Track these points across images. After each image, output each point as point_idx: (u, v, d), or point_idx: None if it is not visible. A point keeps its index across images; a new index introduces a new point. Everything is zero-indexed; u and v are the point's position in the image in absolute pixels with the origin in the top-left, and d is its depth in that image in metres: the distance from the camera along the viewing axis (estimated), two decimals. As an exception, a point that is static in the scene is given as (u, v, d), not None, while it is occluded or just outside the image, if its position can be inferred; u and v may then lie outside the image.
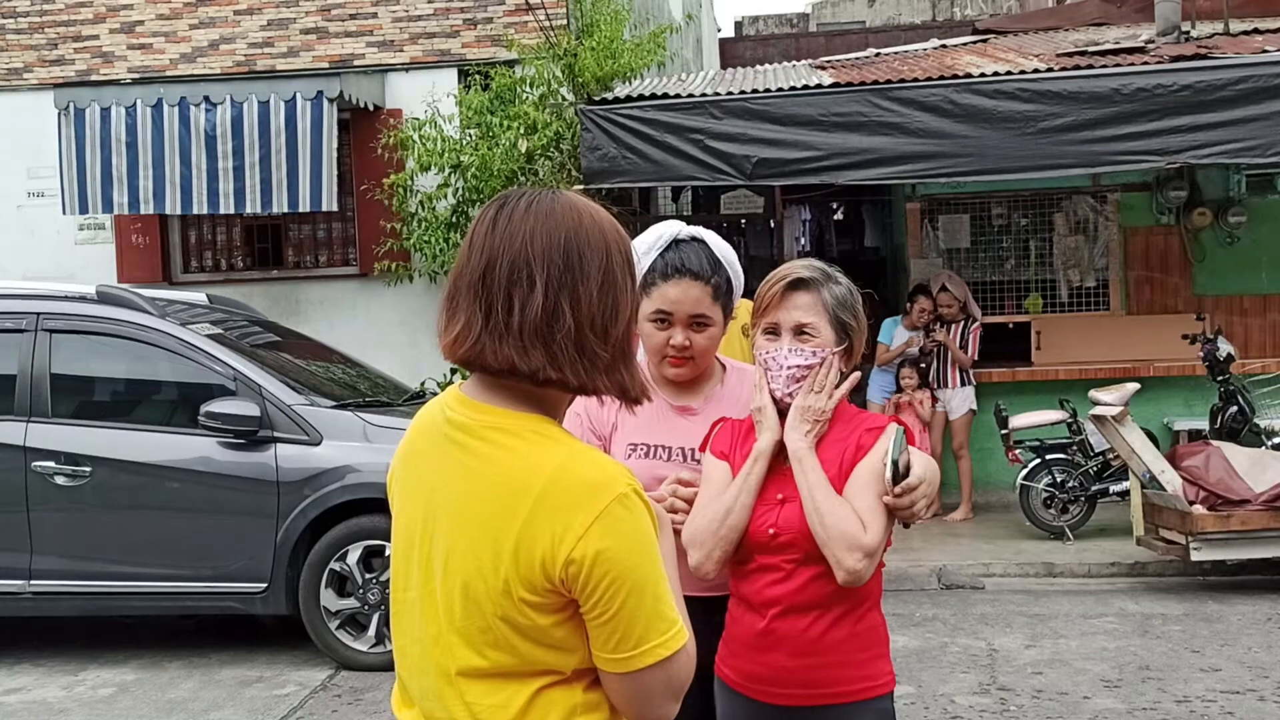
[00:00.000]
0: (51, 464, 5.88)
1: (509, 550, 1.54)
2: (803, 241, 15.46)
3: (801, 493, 2.31)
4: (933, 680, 5.36)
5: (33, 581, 5.89)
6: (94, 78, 9.71)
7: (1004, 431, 8.01)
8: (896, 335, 8.73)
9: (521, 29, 9.21)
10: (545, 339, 1.55)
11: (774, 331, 2.40)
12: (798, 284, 2.37)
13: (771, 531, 2.34)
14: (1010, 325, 9.47)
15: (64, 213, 8.96)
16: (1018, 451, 8.03)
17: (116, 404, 6.36)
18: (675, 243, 2.46)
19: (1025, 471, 7.94)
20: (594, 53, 8.56)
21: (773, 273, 2.43)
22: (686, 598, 2.44)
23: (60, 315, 6.13)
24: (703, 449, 2.48)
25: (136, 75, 9.67)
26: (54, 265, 9.47)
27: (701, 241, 2.48)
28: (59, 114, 8.78)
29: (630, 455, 2.48)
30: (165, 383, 6.27)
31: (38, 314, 6.12)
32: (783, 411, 2.40)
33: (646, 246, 2.46)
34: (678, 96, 7.67)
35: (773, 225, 11.81)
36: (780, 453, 2.38)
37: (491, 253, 1.57)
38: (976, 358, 8.63)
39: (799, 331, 2.37)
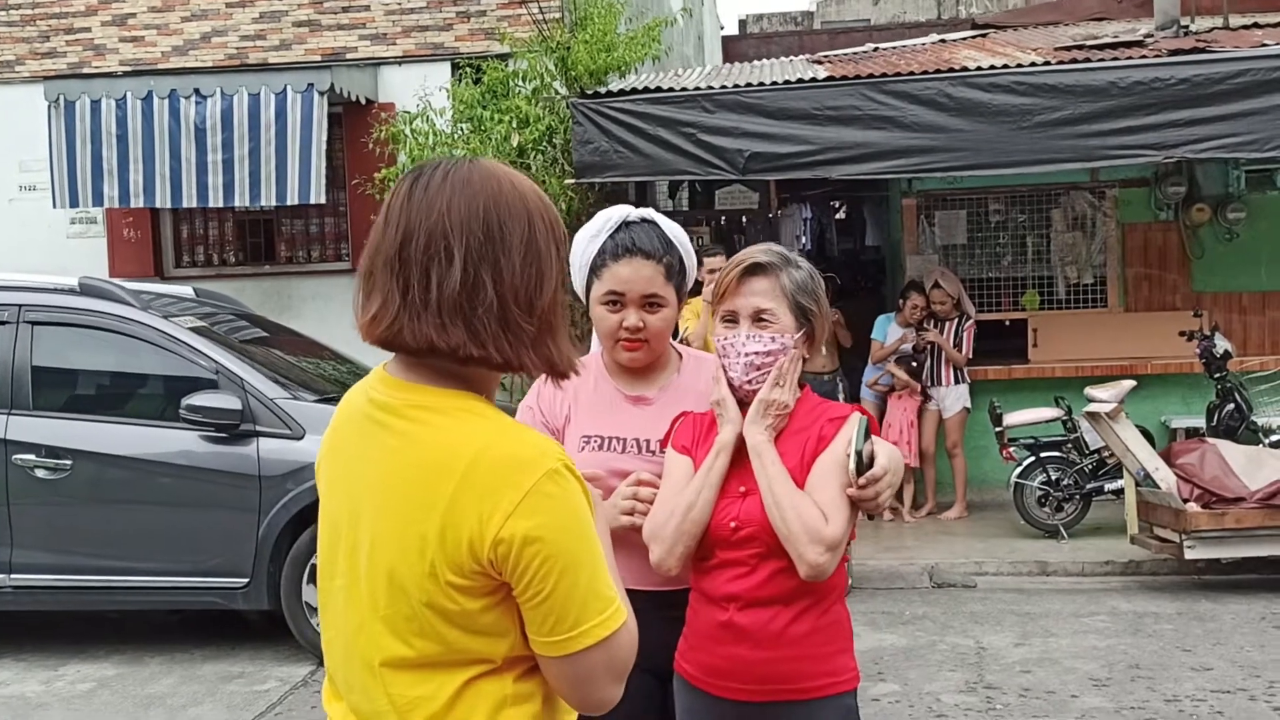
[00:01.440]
0: (32, 457, 5.83)
1: (434, 532, 1.48)
2: (804, 240, 15.40)
3: (761, 487, 2.25)
4: (919, 678, 5.29)
5: (13, 575, 5.85)
6: (86, 70, 9.66)
7: (998, 429, 7.94)
8: (890, 332, 8.65)
9: (515, 22, 9.15)
10: (465, 314, 1.49)
11: (732, 319, 2.34)
12: (755, 269, 2.32)
13: (733, 525, 2.28)
14: (1007, 322, 9.39)
15: (54, 206, 8.92)
16: (1012, 449, 7.95)
17: (98, 397, 6.32)
18: (625, 224, 2.41)
19: (1019, 469, 7.86)
20: (587, 46, 8.49)
21: (731, 258, 2.38)
22: (644, 592, 2.41)
23: (42, 307, 6.09)
24: (664, 444, 2.42)
25: (128, 68, 9.63)
26: (46, 259, 9.39)
27: (652, 222, 2.43)
28: (49, 106, 8.74)
29: (584, 447, 2.42)
30: (147, 375, 6.22)
31: (20, 306, 6.07)
32: (742, 400, 2.35)
33: (596, 230, 2.41)
34: (670, 90, 7.61)
35: (771, 219, 11.71)
36: (743, 445, 2.32)
37: (407, 226, 1.51)
38: (971, 355, 8.55)
39: (757, 318, 2.31)
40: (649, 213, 2.46)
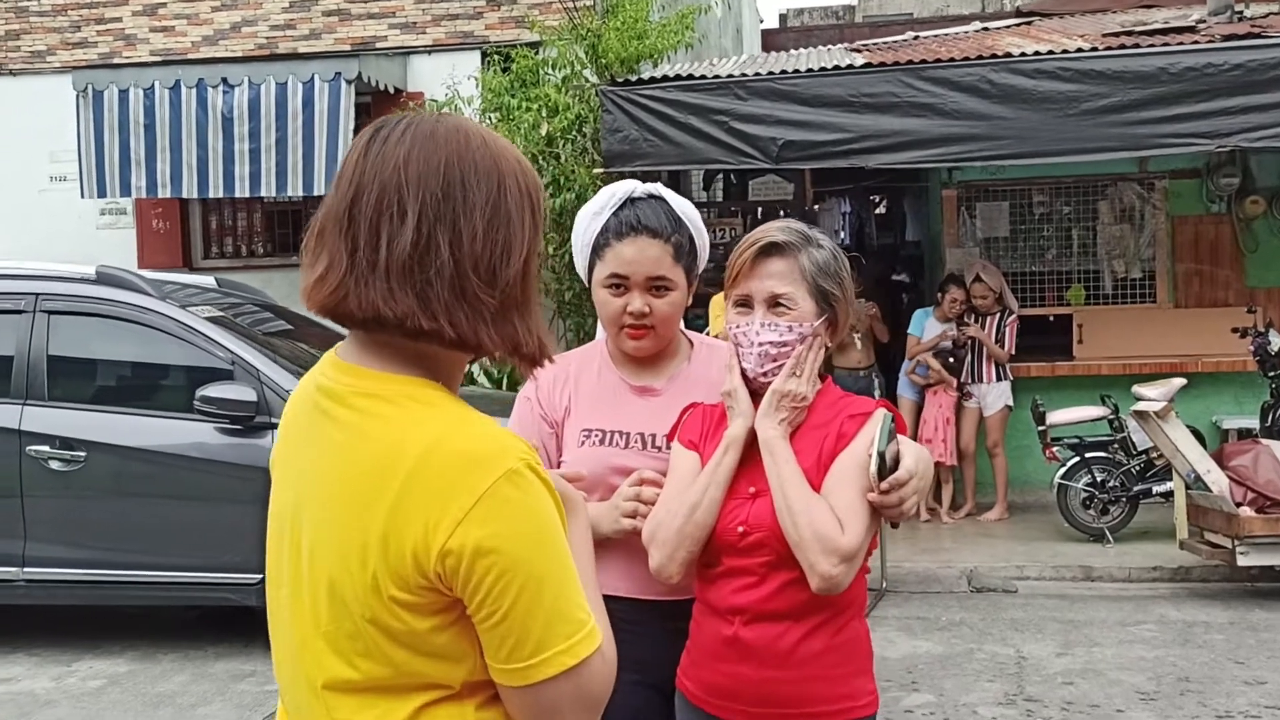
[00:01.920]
0: (46, 448, 5.74)
1: (376, 539, 1.29)
2: (843, 235, 15.14)
3: (772, 488, 2.04)
4: (955, 689, 5.06)
5: (26, 569, 5.75)
6: (116, 60, 9.60)
7: (1041, 428, 7.66)
8: (928, 327, 8.40)
9: (546, 10, 8.99)
10: (416, 280, 1.30)
11: (746, 304, 2.13)
12: (771, 249, 2.10)
13: (741, 529, 2.07)
14: (1051, 318, 9.10)
15: (82, 196, 8.85)
16: (1055, 449, 7.67)
17: (113, 387, 6.23)
18: (630, 200, 2.20)
19: (1063, 470, 7.58)
20: (619, 33, 8.29)
21: (745, 237, 2.17)
22: (647, 602, 2.21)
23: (59, 296, 5.99)
24: (671, 438, 2.21)
25: (159, 58, 9.56)
26: (75, 250, 9.32)
27: (660, 199, 2.22)
28: (77, 96, 8.67)
29: (584, 442, 2.22)
30: (163, 366, 6.11)
31: (36, 295, 5.98)
32: (757, 392, 2.14)
33: (599, 206, 2.21)
34: (702, 77, 7.40)
35: (808, 212, 11.46)
36: (755, 441, 2.11)
37: (360, 181, 1.34)
38: (1013, 352, 8.28)
39: (773, 304, 2.10)
40: (656, 188, 2.26)
